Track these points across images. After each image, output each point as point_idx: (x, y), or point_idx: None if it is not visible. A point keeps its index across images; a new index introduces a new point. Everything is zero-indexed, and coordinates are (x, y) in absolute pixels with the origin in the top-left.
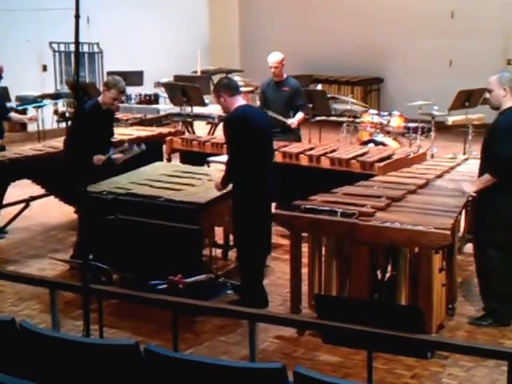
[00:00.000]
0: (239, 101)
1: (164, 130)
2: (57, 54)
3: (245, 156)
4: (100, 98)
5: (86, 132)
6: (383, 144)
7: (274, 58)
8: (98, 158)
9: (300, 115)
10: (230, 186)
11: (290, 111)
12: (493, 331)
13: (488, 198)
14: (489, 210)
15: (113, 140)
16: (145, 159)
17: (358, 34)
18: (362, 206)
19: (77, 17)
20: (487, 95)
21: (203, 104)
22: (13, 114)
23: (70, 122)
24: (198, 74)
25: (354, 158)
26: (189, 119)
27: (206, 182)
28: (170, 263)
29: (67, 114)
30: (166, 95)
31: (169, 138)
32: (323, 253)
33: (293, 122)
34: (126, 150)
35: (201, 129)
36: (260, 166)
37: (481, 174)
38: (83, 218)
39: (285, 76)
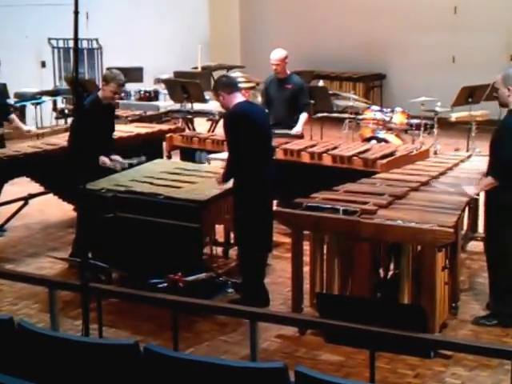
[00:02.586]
0: (238, 97)
1: (164, 126)
2: (56, 50)
3: (245, 152)
4: (100, 93)
5: (87, 128)
6: (385, 141)
7: (276, 55)
8: (103, 161)
9: (304, 117)
10: (231, 183)
11: (293, 109)
12: (496, 330)
13: (498, 198)
14: (499, 209)
15: (114, 137)
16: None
17: (360, 29)
18: (365, 203)
19: (76, 13)
20: (495, 94)
21: (204, 100)
22: (14, 117)
23: (71, 120)
24: (199, 70)
25: (356, 155)
26: (189, 116)
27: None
28: (170, 261)
29: (66, 111)
30: (165, 92)
31: (169, 134)
32: (325, 251)
33: (298, 130)
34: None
35: (201, 125)
36: (260, 162)
37: (488, 171)
38: (82, 216)
39: (288, 73)
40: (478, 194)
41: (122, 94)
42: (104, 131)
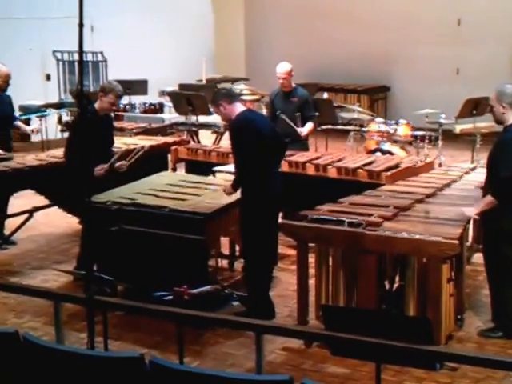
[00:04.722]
0: (239, 107)
1: (169, 139)
2: (60, 62)
3: (251, 160)
4: (97, 105)
5: (85, 141)
6: (390, 153)
7: (283, 68)
8: (101, 168)
9: (310, 125)
10: (237, 195)
11: (299, 122)
12: (502, 342)
13: (495, 221)
14: (497, 231)
15: (114, 149)
16: (150, 169)
17: (364, 42)
18: (369, 215)
19: (80, 25)
20: (490, 111)
21: (208, 113)
22: (19, 124)
23: (68, 132)
24: (204, 82)
25: (360, 167)
26: (194, 128)
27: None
28: (176, 274)
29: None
30: (170, 104)
31: (174, 147)
32: (330, 263)
33: (302, 130)
34: (127, 154)
35: (206, 138)
36: (267, 171)
37: (485, 188)
38: (87, 229)
39: (294, 86)
40: (478, 214)
41: (128, 107)
42: (102, 144)
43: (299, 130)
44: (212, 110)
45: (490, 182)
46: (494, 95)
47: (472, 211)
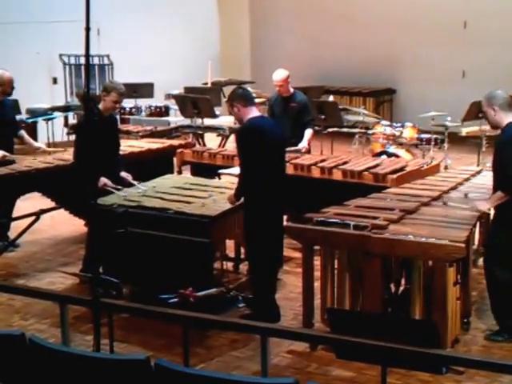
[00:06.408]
0: (253, 112)
1: (174, 142)
2: (67, 66)
3: (257, 168)
4: (101, 106)
5: (90, 143)
6: (396, 155)
7: (279, 76)
8: (105, 183)
9: (308, 133)
10: (242, 199)
11: (298, 126)
12: (509, 346)
13: (503, 215)
14: (503, 226)
15: (120, 152)
16: (156, 171)
17: (370, 44)
18: (375, 218)
19: (87, 29)
20: (483, 116)
21: (214, 116)
22: (23, 134)
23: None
24: (209, 85)
25: (366, 169)
26: (199, 131)
27: (212, 198)
28: (181, 277)
29: None
30: (176, 107)
31: (179, 150)
32: (336, 266)
33: (303, 146)
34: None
35: (211, 141)
36: (272, 177)
37: (494, 188)
38: (93, 231)
39: (292, 91)
40: (489, 209)
41: (133, 110)
42: (108, 145)
43: (301, 146)
44: (220, 111)
45: (499, 183)
46: (484, 100)
47: (485, 205)
